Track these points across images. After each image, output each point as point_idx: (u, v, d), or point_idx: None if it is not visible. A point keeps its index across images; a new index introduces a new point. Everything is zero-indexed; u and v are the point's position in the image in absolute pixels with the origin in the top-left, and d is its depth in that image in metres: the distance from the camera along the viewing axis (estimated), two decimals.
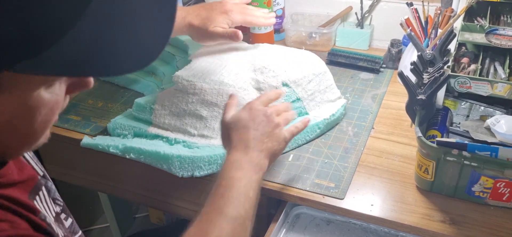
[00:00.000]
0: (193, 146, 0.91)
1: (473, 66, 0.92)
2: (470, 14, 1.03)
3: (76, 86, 0.46)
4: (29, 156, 0.60)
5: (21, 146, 0.46)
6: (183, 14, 0.96)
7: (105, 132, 1.02)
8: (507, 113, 0.91)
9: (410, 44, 1.11)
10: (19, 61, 0.32)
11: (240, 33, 0.94)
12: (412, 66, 0.85)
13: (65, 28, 0.31)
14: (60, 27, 0.31)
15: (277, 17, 1.38)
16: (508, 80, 0.88)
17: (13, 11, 0.30)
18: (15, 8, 0.30)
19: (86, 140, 0.98)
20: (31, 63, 0.32)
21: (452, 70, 0.90)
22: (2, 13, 0.30)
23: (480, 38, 0.95)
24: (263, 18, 1.03)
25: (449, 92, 0.94)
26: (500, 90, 0.85)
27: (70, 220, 0.62)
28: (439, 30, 1.04)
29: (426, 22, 1.05)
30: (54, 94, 0.42)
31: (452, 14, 1.06)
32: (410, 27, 1.01)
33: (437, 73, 0.82)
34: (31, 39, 0.31)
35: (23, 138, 0.44)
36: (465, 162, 0.76)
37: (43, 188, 0.58)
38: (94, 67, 0.35)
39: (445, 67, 0.84)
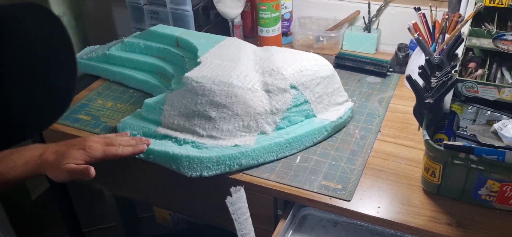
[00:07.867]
0: (201, 147, 0.92)
1: (480, 71, 0.93)
2: (478, 19, 1.04)
3: None
4: None
5: None
6: (41, 151, 0.89)
7: (114, 132, 1.03)
8: None
9: (417, 48, 1.12)
10: None
11: (92, 170, 0.85)
12: (420, 70, 0.85)
13: None
14: None
15: (285, 20, 1.40)
16: None
17: None
18: None
19: None
20: None
21: (460, 75, 0.91)
22: None
23: (487, 43, 0.95)
24: (131, 148, 0.92)
25: (456, 96, 0.94)
26: (507, 95, 0.85)
27: None
28: (447, 35, 1.05)
29: (434, 27, 1.06)
30: None
31: (460, 19, 1.06)
32: (418, 32, 1.02)
33: (445, 78, 0.83)
34: None
35: None
36: (472, 165, 0.76)
37: None
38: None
39: (453, 71, 0.85)
